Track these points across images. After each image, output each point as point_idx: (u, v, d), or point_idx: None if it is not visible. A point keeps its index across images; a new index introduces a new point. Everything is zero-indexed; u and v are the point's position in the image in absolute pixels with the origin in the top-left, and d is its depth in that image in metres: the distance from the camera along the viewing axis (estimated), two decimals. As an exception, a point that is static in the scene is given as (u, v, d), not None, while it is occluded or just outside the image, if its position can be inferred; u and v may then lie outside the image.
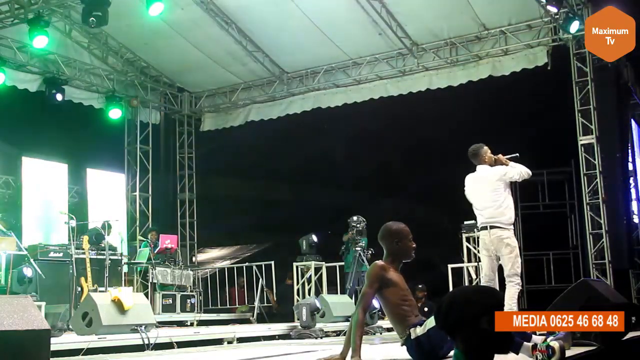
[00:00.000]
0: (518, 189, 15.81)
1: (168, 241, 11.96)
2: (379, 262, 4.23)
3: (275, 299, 13.07)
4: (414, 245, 4.29)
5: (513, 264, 6.31)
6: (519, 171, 6.53)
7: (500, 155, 6.63)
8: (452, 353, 3.52)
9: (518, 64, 11.93)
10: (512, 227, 6.45)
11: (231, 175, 16.42)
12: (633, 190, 12.43)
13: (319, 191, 15.69)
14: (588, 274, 11.00)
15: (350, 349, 3.97)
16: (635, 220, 12.42)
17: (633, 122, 12.85)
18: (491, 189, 6.48)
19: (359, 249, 10.63)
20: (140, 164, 14.27)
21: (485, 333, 2.35)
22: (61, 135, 13.17)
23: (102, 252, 9.65)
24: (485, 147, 6.67)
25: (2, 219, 10.34)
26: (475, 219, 6.72)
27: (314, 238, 11.96)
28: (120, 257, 10.55)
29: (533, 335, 4.08)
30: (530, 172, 6.59)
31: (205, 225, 15.66)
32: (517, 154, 6.72)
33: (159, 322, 8.63)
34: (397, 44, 12.62)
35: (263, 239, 17.90)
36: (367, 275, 4.24)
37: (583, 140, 11.26)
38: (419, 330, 4.01)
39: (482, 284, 6.71)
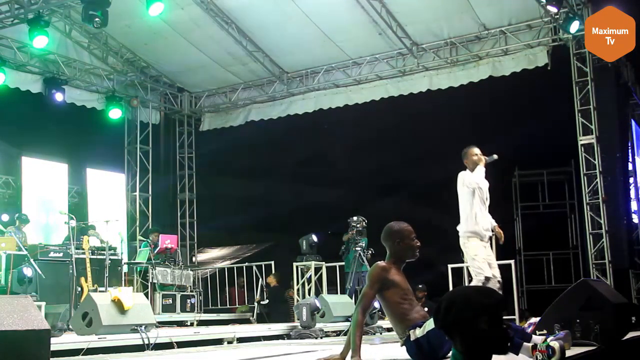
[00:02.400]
0: (518, 189, 15.86)
1: (168, 241, 11.96)
2: (381, 263, 4.22)
3: (258, 298, 12.93)
4: (418, 244, 4.24)
5: (475, 272, 6.24)
6: (469, 180, 6.29)
7: (484, 157, 6.42)
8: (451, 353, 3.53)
9: (518, 64, 11.93)
10: (471, 235, 6.30)
11: (231, 175, 16.42)
12: (633, 190, 12.44)
13: (319, 191, 15.69)
14: (588, 274, 11.00)
15: (350, 349, 3.97)
16: (635, 220, 12.44)
17: (633, 122, 12.86)
18: (459, 195, 6.41)
19: (359, 249, 10.63)
20: (140, 164, 14.27)
21: (484, 333, 2.34)
22: (61, 135, 13.18)
23: (102, 252, 9.67)
24: (471, 149, 6.46)
25: (19, 218, 10.43)
26: None
27: (314, 238, 11.95)
28: (120, 257, 10.56)
29: (533, 336, 4.08)
30: (474, 182, 6.26)
31: (205, 225, 15.67)
32: (494, 156, 6.46)
33: (159, 322, 8.62)
34: (397, 44, 12.61)
35: (263, 239, 17.91)
36: (368, 276, 4.23)
37: (583, 140, 11.26)
38: (419, 332, 4.00)
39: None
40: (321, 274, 12.19)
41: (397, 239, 4.23)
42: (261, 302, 12.48)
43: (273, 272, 12.96)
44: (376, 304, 7.80)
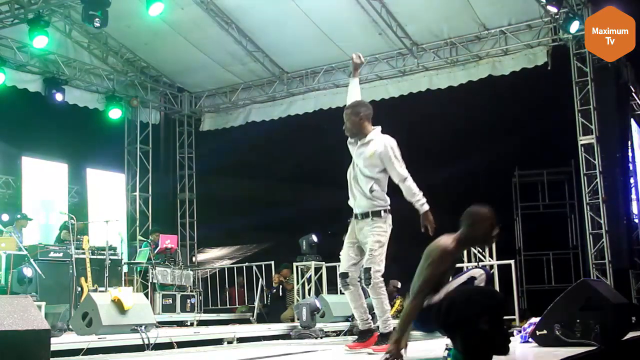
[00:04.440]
0: (518, 189, 15.86)
1: (168, 241, 11.96)
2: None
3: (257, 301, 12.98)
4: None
5: None
6: None
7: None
8: (449, 345, 3.51)
9: (518, 64, 11.92)
10: None
11: (231, 175, 16.44)
12: (633, 190, 12.44)
13: (319, 191, 15.70)
14: (588, 274, 11.00)
15: (397, 335, 3.65)
16: (635, 220, 12.43)
17: (633, 122, 12.85)
18: None
19: (358, 249, 10.61)
20: (140, 164, 14.27)
21: (485, 334, 2.34)
22: (61, 135, 13.20)
23: (102, 252, 9.67)
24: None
25: (17, 218, 10.40)
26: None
27: (314, 238, 11.95)
28: (120, 257, 10.56)
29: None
30: None
31: (205, 225, 15.66)
32: None
33: (159, 322, 8.61)
34: (397, 44, 12.61)
35: (263, 239, 17.93)
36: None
37: (583, 140, 11.25)
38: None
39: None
40: (321, 274, 12.20)
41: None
42: (271, 296, 12.58)
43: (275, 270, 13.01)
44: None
